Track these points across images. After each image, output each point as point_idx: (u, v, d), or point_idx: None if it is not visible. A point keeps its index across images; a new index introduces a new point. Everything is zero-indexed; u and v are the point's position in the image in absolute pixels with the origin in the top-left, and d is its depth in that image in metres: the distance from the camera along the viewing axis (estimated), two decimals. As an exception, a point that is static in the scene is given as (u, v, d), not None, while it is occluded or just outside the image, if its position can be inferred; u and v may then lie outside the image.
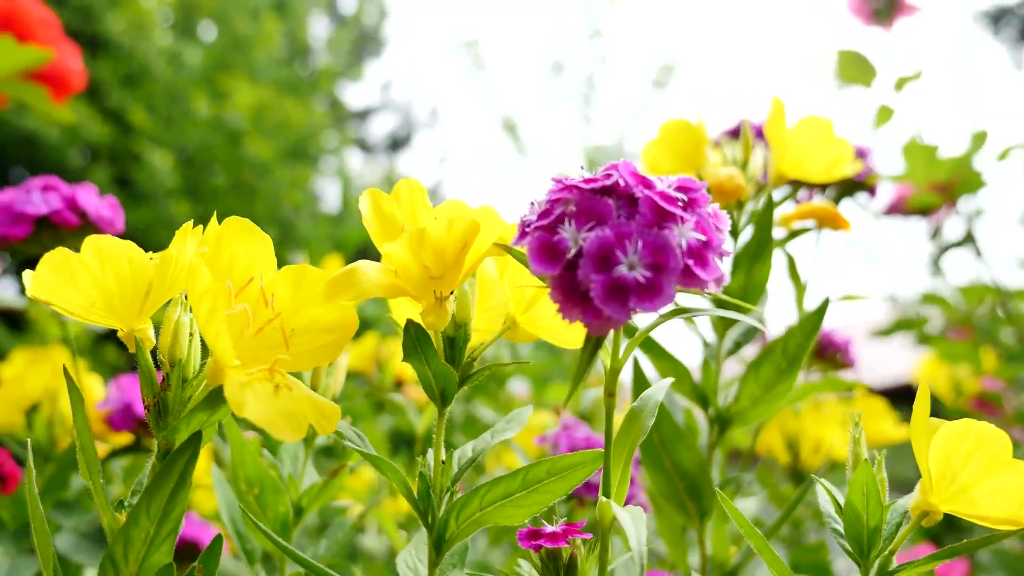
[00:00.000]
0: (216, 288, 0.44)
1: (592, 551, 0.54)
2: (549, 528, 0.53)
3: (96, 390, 1.06)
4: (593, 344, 0.44)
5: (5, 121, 4.85)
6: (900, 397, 1.57)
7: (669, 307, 0.41)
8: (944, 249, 1.60)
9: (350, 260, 0.55)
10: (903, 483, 0.58)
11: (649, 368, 0.80)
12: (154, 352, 0.49)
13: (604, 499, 0.47)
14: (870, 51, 1.43)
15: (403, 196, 0.53)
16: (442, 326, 0.51)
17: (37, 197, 0.85)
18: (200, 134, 4.95)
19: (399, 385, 1.48)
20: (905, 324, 1.69)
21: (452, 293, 0.51)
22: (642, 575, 0.40)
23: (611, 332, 0.45)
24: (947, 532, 1.42)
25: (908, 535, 0.52)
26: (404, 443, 1.61)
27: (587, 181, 0.43)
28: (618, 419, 0.49)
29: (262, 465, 0.67)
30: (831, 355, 1.30)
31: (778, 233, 0.91)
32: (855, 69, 1.42)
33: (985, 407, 1.69)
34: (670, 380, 0.54)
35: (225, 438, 0.69)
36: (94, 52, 5.13)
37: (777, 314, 1.36)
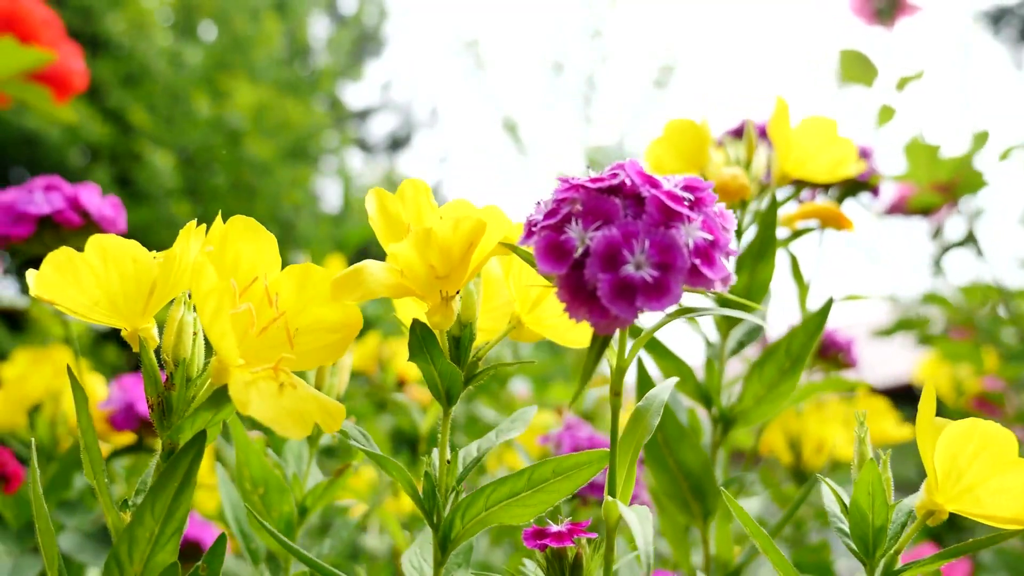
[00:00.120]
0: (221, 287, 0.43)
1: (597, 551, 0.53)
2: (554, 527, 0.53)
3: (98, 390, 1.06)
4: (600, 343, 0.44)
5: (6, 121, 4.84)
6: (901, 397, 1.57)
7: (675, 306, 0.41)
8: (945, 249, 1.60)
9: (351, 260, 0.55)
10: (903, 483, 0.58)
11: (653, 367, 0.79)
12: (158, 351, 0.49)
13: (610, 498, 0.47)
14: (872, 51, 1.43)
15: (408, 196, 0.53)
16: (447, 326, 0.51)
17: (40, 197, 0.85)
18: (200, 134, 4.95)
19: (401, 385, 1.48)
20: (906, 324, 1.69)
21: (457, 293, 0.51)
22: (649, 575, 0.40)
23: (617, 331, 0.45)
24: (948, 531, 1.42)
25: (913, 535, 0.52)
26: (405, 443, 1.61)
27: (594, 180, 0.43)
28: (623, 418, 0.49)
29: (267, 465, 0.67)
30: (833, 355, 1.30)
31: (781, 233, 0.91)
32: (857, 69, 1.42)
33: (986, 407, 1.69)
34: (674, 380, 0.53)
35: (228, 438, 0.69)
36: (95, 52, 5.12)
37: (780, 314, 1.36)
